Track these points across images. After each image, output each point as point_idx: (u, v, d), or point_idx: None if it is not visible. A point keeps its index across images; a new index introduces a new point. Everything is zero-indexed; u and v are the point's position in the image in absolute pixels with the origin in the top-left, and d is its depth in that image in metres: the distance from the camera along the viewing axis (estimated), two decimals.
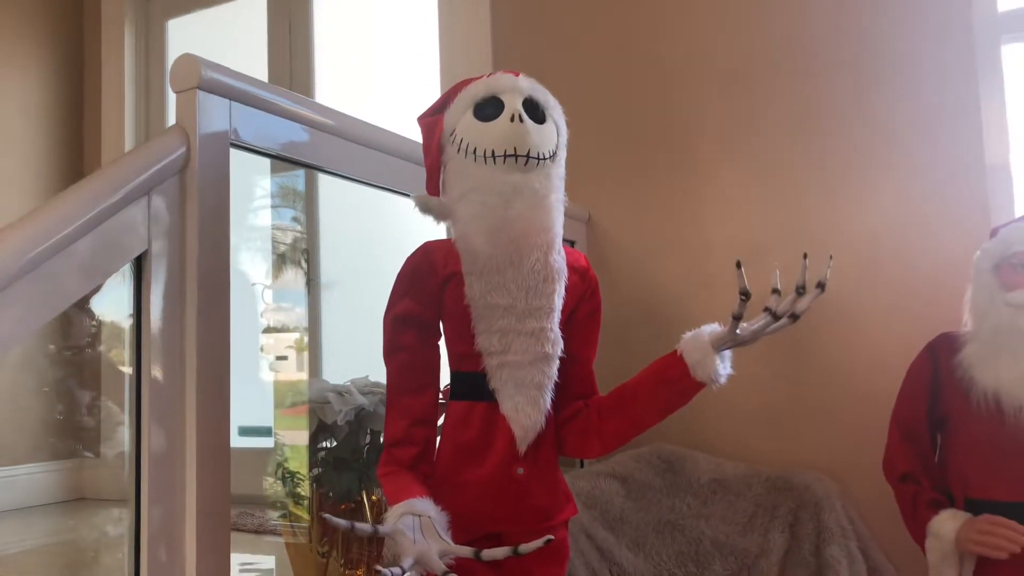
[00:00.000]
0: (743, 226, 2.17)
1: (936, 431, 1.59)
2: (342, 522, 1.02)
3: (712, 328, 1.17)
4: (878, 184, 2.02)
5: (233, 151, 1.30)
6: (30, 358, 2.83)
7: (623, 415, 1.22)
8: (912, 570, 1.73)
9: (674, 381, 1.17)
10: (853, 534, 1.85)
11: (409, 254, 1.23)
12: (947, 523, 1.47)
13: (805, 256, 1.12)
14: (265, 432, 2.18)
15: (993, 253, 1.51)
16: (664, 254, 2.26)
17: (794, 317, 1.11)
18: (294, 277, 2.46)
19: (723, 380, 1.15)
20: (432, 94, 1.28)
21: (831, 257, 1.18)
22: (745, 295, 1.09)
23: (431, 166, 1.24)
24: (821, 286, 1.13)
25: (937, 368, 1.57)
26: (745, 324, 1.13)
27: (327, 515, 1.01)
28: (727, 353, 1.16)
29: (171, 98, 1.28)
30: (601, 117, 2.36)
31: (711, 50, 2.24)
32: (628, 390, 1.22)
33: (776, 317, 1.12)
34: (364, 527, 1.04)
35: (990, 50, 1.98)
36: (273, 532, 2.23)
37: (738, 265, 1.11)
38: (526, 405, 1.16)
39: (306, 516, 1.82)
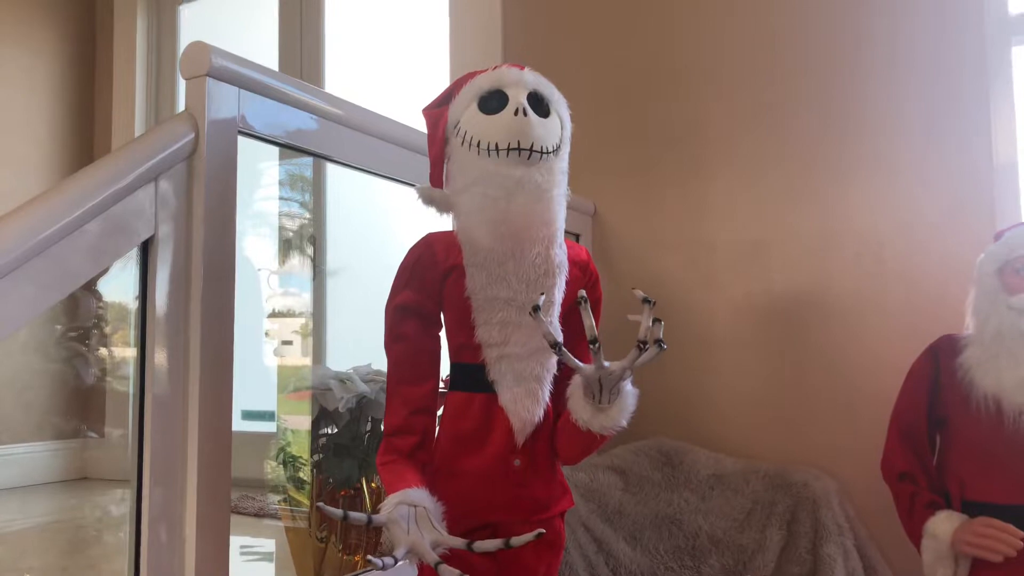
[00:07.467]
0: (748, 224, 2.17)
1: (935, 432, 1.59)
2: (336, 511, 1.03)
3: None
4: (885, 184, 2.02)
5: (241, 138, 1.31)
6: (36, 338, 2.85)
7: (558, 440, 1.21)
8: (907, 569, 1.74)
9: (581, 432, 1.15)
10: (850, 532, 1.86)
11: (412, 245, 1.23)
12: (943, 524, 1.48)
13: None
14: (268, 416, 2.20)
15: (997, 256, 1.51)
16: (668, 249, 2.27)
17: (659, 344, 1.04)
18: (300, 263, 2.47)
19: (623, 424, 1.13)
20: (442, 85, 1.28)
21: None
22: (643, 343, 1.03)
23: (435, 158, 1.24)
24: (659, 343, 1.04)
25: (938, 370, 1.57)
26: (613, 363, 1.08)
27: (321, 504, 1.02)
28: (626, 387, 1.11)
29: (182, 83, 1.29)
30: (610, 112, 2.36)
31: (719, 48, 2.24)
32: (563, 419, 1.19)
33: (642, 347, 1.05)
34: (358, 516, 1.04)
35: (1001, 52, 1.97)
36: (273, 516, 2.25)
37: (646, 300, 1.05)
38: (524, 397, 1.17)
39: (306, 501, 1.83)
